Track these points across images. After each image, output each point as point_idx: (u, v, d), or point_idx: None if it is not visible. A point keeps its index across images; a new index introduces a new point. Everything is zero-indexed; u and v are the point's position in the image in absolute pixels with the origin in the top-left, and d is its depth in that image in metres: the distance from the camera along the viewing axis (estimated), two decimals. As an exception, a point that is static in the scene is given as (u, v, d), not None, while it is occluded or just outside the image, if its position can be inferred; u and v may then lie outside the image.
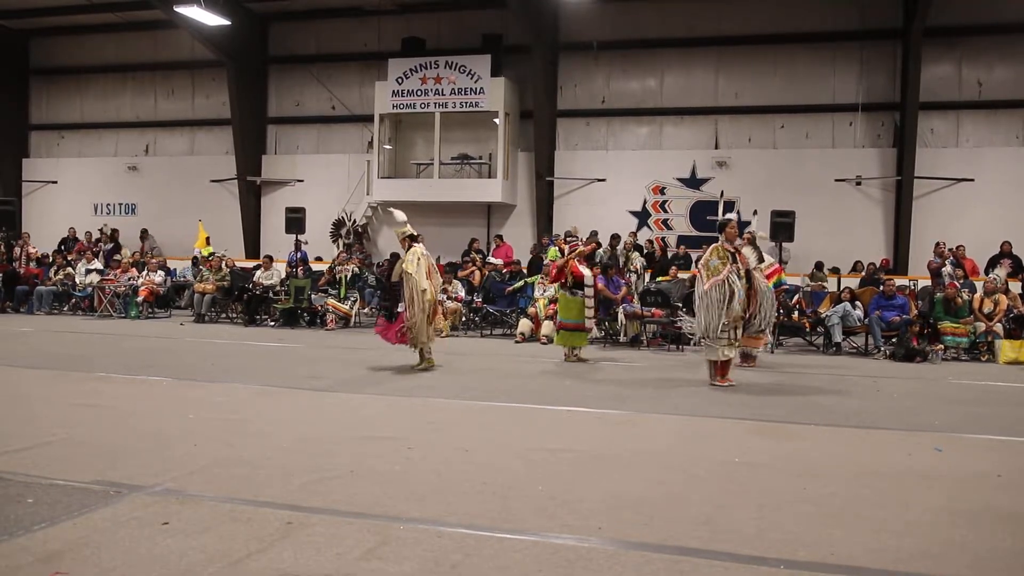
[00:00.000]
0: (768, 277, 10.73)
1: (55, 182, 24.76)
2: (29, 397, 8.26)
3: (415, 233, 10.75)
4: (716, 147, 19.88)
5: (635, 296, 14.61)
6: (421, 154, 21.41)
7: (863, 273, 17.13)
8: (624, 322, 14.06)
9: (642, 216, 20.13)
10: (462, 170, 20.93)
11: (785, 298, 13.75)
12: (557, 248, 13.49)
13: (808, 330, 14.08)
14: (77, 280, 18.46)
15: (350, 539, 4.27)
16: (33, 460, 5.67)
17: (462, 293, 15.83)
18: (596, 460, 6.09)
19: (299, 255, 18.52)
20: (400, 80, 20.37)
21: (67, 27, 23.83)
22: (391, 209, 11.13)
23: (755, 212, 13.93)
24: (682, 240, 19.38)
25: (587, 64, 20.57)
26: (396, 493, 5.10)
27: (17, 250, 20.12)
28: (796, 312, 14.19)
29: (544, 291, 14.53)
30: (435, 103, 20.23)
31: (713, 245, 9.79)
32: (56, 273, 18.86)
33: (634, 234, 19.05)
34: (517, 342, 14.18)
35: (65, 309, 18.37)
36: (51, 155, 25.12)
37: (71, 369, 10.11)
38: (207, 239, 19.51)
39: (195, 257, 20.06)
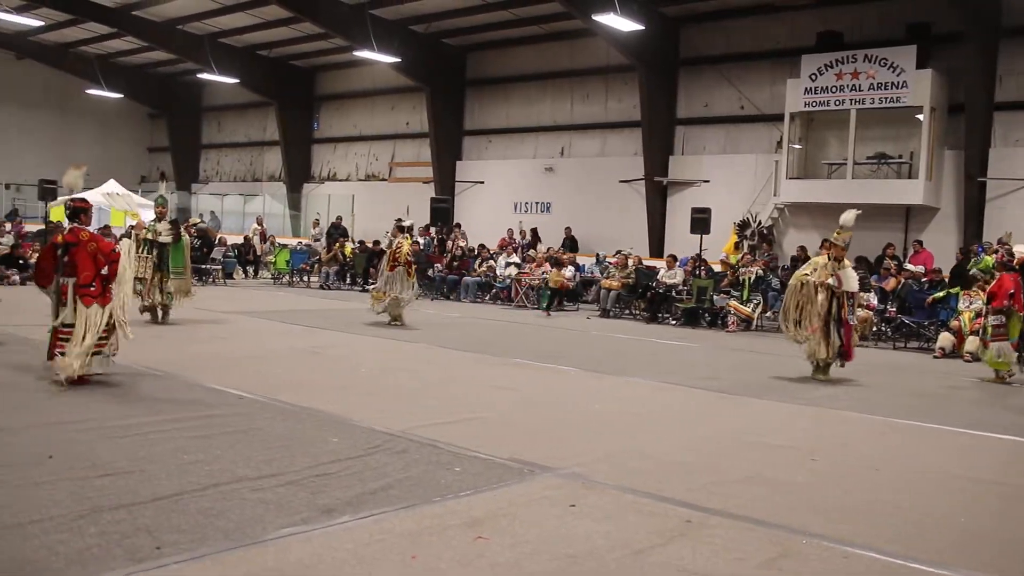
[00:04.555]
0: None
1: (482, 182, 27.26)
2: (457, 377, 9.19)
3: None
4: None
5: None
6: (833, 153, 20.40)
7: None
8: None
9: (1102, 222, 17.41)
10: (878, 170, 19.61)
11: None
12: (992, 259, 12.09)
13: None
14: (497, 272, 20.27)
15: (749, 546, 4.20)
16: (460, 433, 6.29)
17: (874, 301, 14.85)
18: (1031, 496, 5.41)
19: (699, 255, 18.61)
20: (813, 77, 19.55)
21: (496, 41, 26.12)
22: (850, 211, 10.50)
23: None
24: None
25: (1034, 49, 18.24)
26: (798, 505, 4.93)
27: (449, 243, 22.51)
28: None
29: (970, 303, 13.14)
30: (851, 99, 19.13)
31: None
32: (480, 265, 20.82)
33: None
34: (936, 358, 13.01)
35: (487, 298, 20.17)
36: (480, 158, 27.68)
37: (491, 353, 11.06)
38: (735, 244, 19.89)
39: (597, 254, 21.50)
